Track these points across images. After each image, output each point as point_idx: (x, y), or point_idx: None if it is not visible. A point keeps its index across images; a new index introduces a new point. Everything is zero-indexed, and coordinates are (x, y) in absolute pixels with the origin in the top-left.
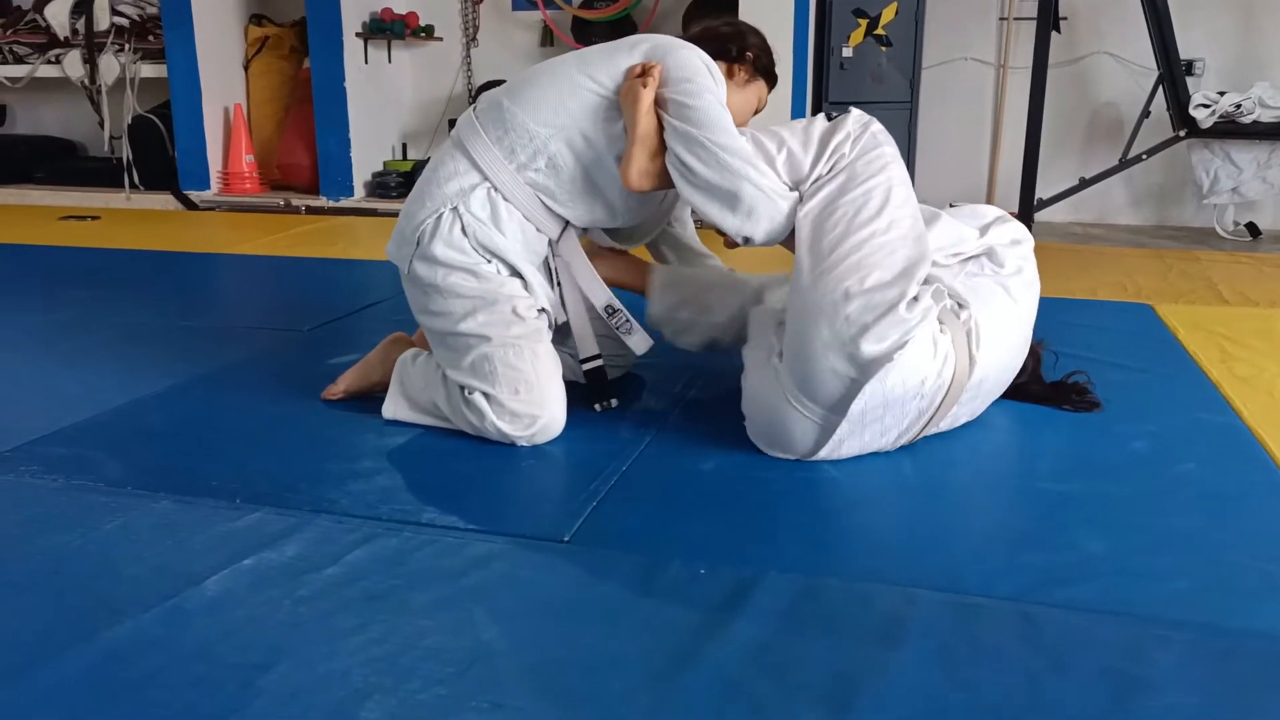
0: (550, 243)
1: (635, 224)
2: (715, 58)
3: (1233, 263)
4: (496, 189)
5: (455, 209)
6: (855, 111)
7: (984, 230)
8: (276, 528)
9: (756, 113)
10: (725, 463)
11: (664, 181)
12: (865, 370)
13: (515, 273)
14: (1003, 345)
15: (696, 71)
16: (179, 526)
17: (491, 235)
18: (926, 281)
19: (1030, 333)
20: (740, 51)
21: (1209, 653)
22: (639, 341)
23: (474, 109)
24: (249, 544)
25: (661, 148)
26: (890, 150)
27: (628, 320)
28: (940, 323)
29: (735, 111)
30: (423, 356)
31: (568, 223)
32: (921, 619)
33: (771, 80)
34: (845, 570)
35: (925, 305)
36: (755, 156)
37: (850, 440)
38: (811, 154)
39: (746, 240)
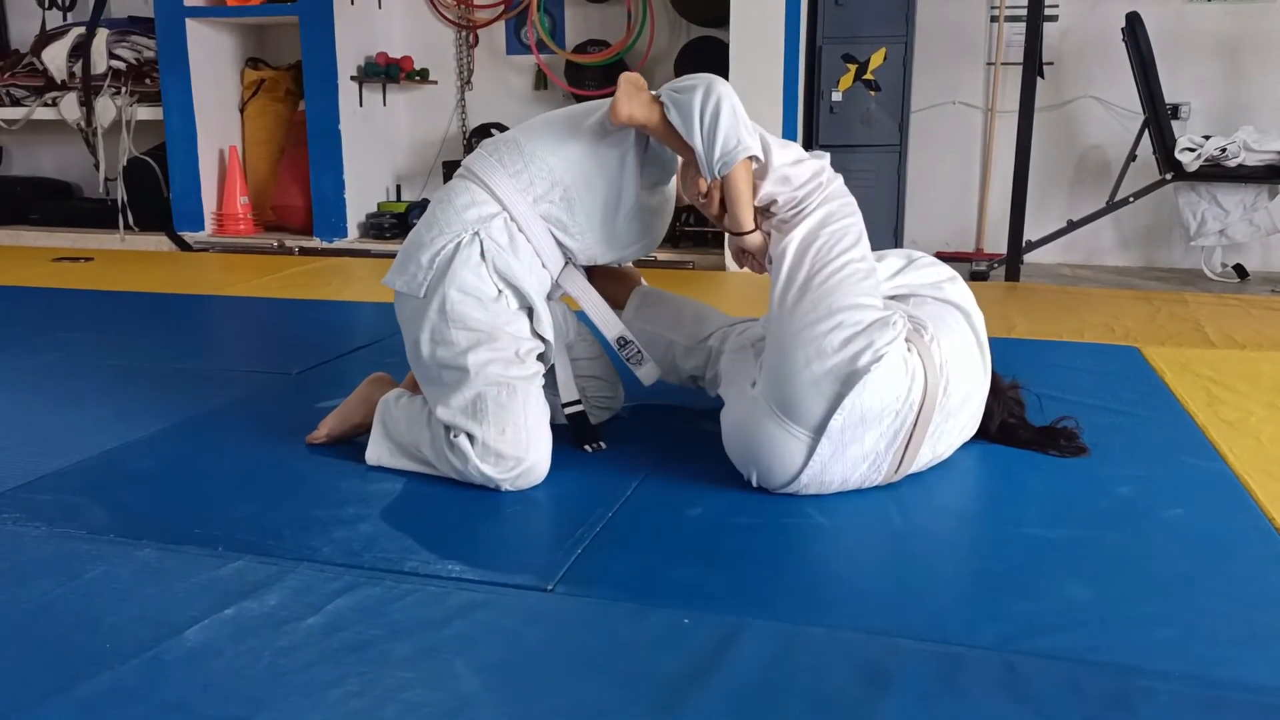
0: (552, 280)
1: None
2: None
3: (1220, 305)
4: (513, 219)
5: (476, 234)
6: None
7: (909, 263)
8: (258, 576)
9: None
10: (712, 508)
11: (646, 115)
12: (848, 380)
13: (523, 306)
14: (965, 369)
15: None
16: (161, 575)
17: (509, 262)
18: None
19: (989, 363)
20: None
21: (1194, 703)
22: (648, 373)
23: (483, 147)
24: (231, 593)
25: (653, 102)
26: (854, 204)
27: (639, 351)
28: (908, 342)
29: None
30: (406, 397)
31: (567, 261)
32: (905, 669)
33: None
34: (830, 619)
35: (900, 324)
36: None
37: (834, 463)
38: (790, 153)
39: (716, 139)
